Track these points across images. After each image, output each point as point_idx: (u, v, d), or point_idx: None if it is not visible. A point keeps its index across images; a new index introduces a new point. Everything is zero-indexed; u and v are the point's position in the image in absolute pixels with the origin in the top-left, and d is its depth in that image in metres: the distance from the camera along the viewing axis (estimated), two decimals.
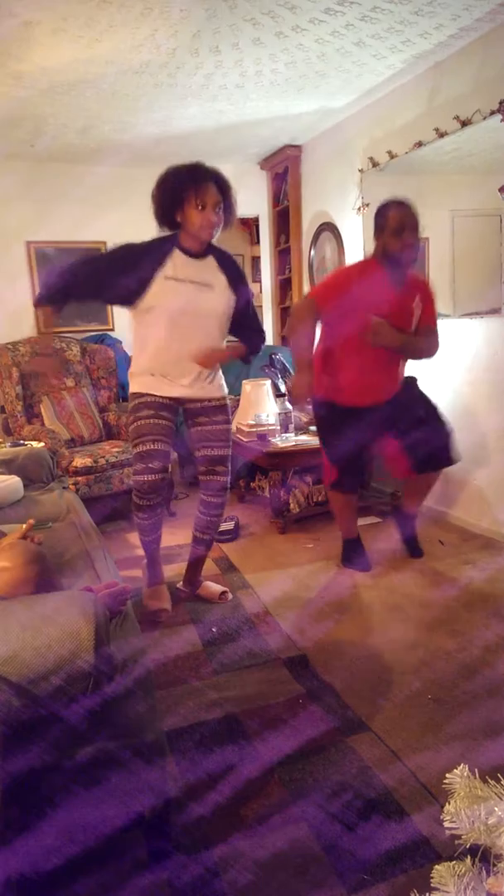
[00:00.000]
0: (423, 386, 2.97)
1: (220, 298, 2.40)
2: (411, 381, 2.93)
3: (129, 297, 2.34)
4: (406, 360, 2.85)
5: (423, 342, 2.79)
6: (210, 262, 2.39)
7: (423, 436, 2.80)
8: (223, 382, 2.57)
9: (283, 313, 5.39)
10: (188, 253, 2.34)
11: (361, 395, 2.76)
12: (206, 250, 2.38)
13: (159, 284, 2.30)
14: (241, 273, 2.49)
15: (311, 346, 2.70)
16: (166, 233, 2.37)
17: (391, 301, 2.66)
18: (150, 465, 2.40)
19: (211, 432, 2.53)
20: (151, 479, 2.41)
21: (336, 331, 2.72)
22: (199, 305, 2.35)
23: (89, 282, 2.35)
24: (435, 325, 2.81)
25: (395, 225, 2.57)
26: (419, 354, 2.82)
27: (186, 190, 2.24)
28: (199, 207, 2.24)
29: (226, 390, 2.58)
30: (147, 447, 2.40)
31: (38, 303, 2.42)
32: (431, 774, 1.61)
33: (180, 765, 1.68)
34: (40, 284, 2.37)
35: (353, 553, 3.04)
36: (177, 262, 2.33)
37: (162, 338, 2.37)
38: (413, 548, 3.10)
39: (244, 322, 2.54)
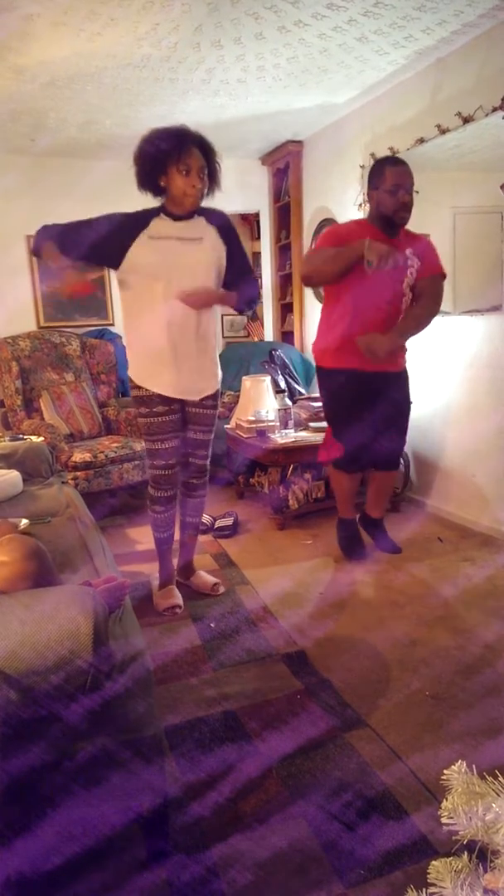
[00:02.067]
0: (421, 385, 2.98)
1: (209, 250, 2.37)
2: (406, 380, 2.92)
3: (115, 256, 2.31)
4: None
5: (421, 310, 2.73)
6: (198, 219, 2.37)
7: (387, 438, 2.87)
8: (218, 373, 2.56)
9: (284, 309, 5.39)
10: (174, 217, 2.32)
11: (364, 356, 2.72)
12: (192, 212, 2.35)
13: (144, 242, 2.29)
14: (230, 224, 2.45)
15: (337, 251, 2.59)
16: (149, 199, 2.35)
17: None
18: (168, 462, 2.52)
19: (197, 415, 2.55)
20: (169, 473, 2.55)
21: (337, 292, 2.72)
22: (186, 259, 2.32)
23: (81, 239, 2.28)
24: (440, 273, 2.74)
25: (391, 183, 2.55)
26: (423, 325, 2.75)
27: (170, 154, 2.21)
28: (184, 172, 2.23)
29: (219, 381, 2.57)
30: (165, 445, 2.50)
31: (38, 248, 2.32)
32: (430, 772, 1.61)
33: (179, 763, 1.68)
34: (36, 236, 2.31)
35: (351, 539, 3.06)
36: (161, 223, 2.31)
37: (153, 300, 2.33)
38: (392, 549, 3.11)
39: (238, 274, 2.47)
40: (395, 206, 2.57)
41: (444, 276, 2.76)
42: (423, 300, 2.75)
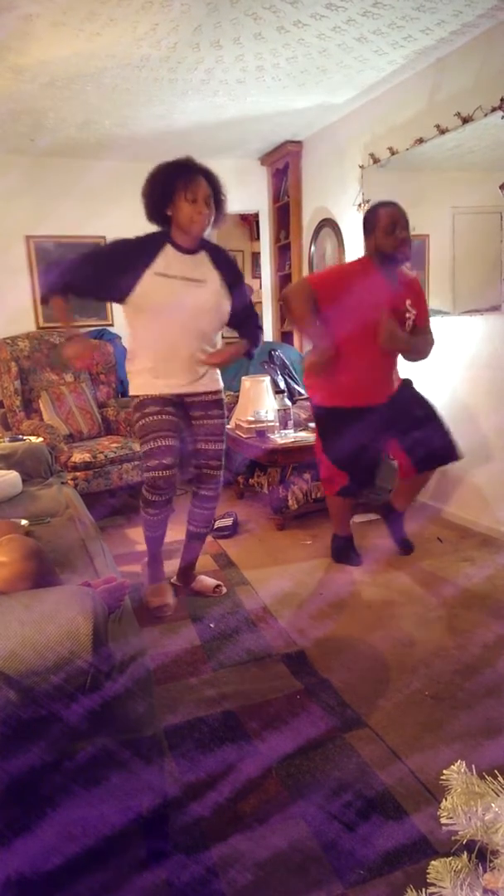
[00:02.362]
0: (421, 385, 2.97)
1: (211, 294, 2.39)
2: (407, 383, 2.93)
3: (121, 294, 2.34)
4: (397, 358, 2.85)
5: (422, 342, 2.82)
6: (203, 257, 2.39)
7: (423, 435, 2.80)
8: (219, 376, 2.58)
9: (283, 309, 5.39)
10: (180, 249, 2.34)
11: (359, 395, 2.76)
12: (198, 246, 2.38)
13: (149, 280, 2.30)
14: (236, 270, 2.49)
15: (315, 319, 2.67)
16: (158, 229, 2.38)
17: (386, 299, 2.65)
18: (163, 461, 2.38)
19: (206, 426, 2.54)
20: (165, 474, 2.40)
21: (333, 331, 2.72)
22: (190, 301, 2.34)
23: (86, 279, 2.36)
24: (428, 325, 2.84)
25: (387, 223, 2.60)
26: (419, 356, 2.84)
27: (176, 184, 2.26)
28: (191, 201, 2.25)
29: (221, 384, 2.59)
30: (158, 444, 2.38)
31: (45, 299, 2.44)
32: (429, 772, 1.61)
33: (179, 763, 1.68)
34: (41, 282, 2.39)
35: (345, 549, 3.05)
36: (168, 257, 2.32)
37: (156, 335, 2.38)
38: (404, 545, 3.10)
39: (243, 319, 2.55)
40: (395, 244, 2.61)
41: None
42: (424, 338, 2.82)
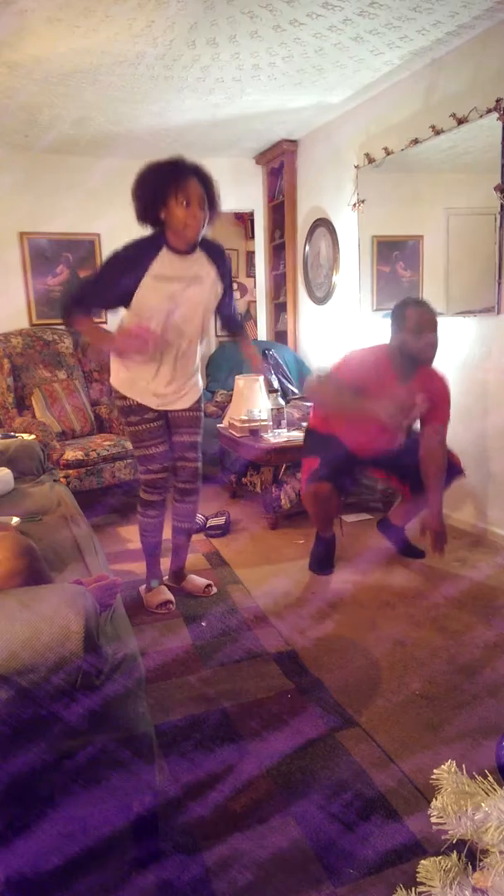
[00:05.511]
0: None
1: (209, 291, 2.39)
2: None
3: (125, 301, 2.34)
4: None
5: (439, 470, 2.73)
6: (199, 255, 2.37)
7: (412, 461, 2.77)
8: (199, 385, 2.60)
9: (277, 309, 5.39)
10: (176, 251, 2.30)
11: (363, 451, 2.79)
12: (194, 245, 2.34)
13: (148, 284, 2.28)
14: (228, 262, 2.50)
15: (347, 396, 2.64)
16: (150, 232, 2.34)
17: (393, 395, 2.61)
18: (163, 465, 2.55)
19: (181, 419, 2.56)
20: (163, 476, 2.57)
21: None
22: (188, 302, 2.34)
23: (98, 295, 2.39)
24: (444, 424, 2.74)
25: (415, 324, 2.55)
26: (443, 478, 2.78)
27: (168, 186, 2.19)
28: (184, 204, 2.19)
29: (200, 390, 2.61)
30: (155, 450, 2.52)
31: (71, 324, 2.43)
32: (421, 772, 1.61)
33: (169, 762, 1.68)
34: (63, 315, 2.41)
35: (322, 555, 2.94)
36: (164, 260, 2.29)
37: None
38: (411, 552, 3.08)
39: (227, 301, 2.55)
40: (422, 346, 2.56)
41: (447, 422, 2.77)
42: (435, 459, 2.72)
